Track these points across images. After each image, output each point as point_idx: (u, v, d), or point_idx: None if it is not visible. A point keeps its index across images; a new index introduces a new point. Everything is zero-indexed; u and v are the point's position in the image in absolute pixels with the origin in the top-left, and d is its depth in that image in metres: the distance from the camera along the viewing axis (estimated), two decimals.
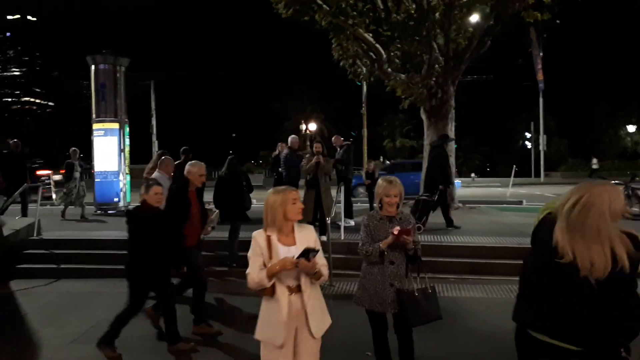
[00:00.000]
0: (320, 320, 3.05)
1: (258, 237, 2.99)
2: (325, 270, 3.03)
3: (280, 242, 2.97)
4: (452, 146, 11.07)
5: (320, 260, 2.99)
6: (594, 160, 31.36)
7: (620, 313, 2.19)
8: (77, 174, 11.70)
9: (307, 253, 2.83)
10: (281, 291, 2.93)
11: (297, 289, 2.96)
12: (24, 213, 10.82)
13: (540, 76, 29.22)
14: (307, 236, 3.06)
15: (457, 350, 4.66)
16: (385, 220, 3.65)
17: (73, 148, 12.25)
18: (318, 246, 2.98)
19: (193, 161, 5.59)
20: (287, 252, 2.94)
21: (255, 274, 2.91)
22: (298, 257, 2.84)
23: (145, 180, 5.00)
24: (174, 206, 5.09)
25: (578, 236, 2.17)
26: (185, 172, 5.34)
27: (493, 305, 5.85)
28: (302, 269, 2.86)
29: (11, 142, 11.27)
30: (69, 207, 11.54)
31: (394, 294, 3.56)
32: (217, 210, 5.22)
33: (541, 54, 28.95)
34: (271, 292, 2.94)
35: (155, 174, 7.21)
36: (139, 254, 4.59)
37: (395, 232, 3.44)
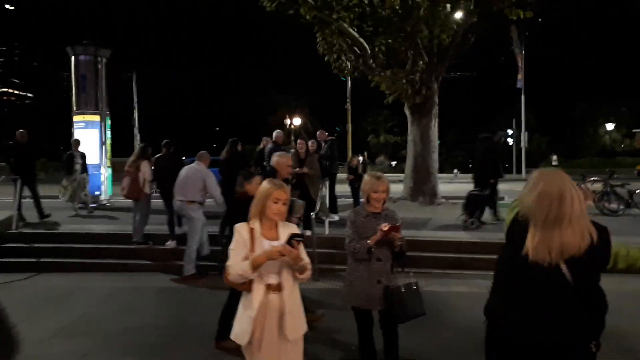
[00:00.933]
0: (298, 322, 2.95)
1: (241, 229, 2.94)
2: (309, 267, 2.95)
3: (263, 236, 2.92)
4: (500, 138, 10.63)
5: (304, 258, 2.92)
6: (554, 157, 32.06)
7: (592, 307, 2.26)
8: (77, 167, 11.11)
9: (292, 238, 2.79)
10: (258, 287, 2.86)
11: (277, 288, 2.89)
12: (39, 211, 10.02)
13: (520, 75, 29.54)
14: (286, 232, 2.98)
15: (441, 345, 4.71)
16: (371, 217, 3.63)
17: (75, 138, 11.84)
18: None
19: (281, 152, 5.54)
20: (269, 246, 2.87)
21: (237, 265, 2.82)
22: (287, 241, 2.81)
23: (246, 171, 4.86)
24: None
25: (555, 229, 2.22)
26: (273, 163, 5.25)
27: (475, 300, 5.90)
28: (288, 255, 2.77)
29: (17, 132, 10.12)
30: (69, 202, 10.96)
31: (381, 290, 3.57)
32: (303, 202, 5.07)
33: (523, 51, 29.26)
34: (249, 287, 2.88)
35: (195, 166, 7.29)
36: None
37: (385, 229, 3.43)
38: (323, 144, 10.49)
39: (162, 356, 4.56)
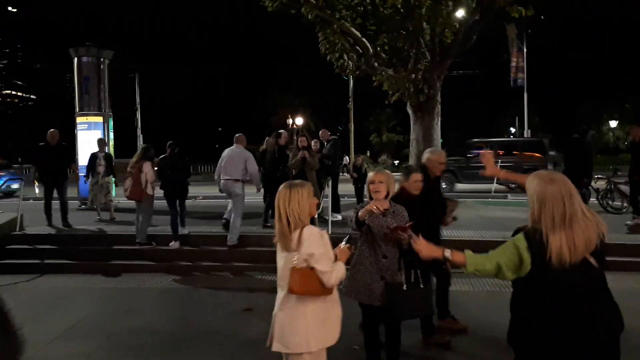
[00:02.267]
0: None
1: (321, 231, 2.86)
2: None
3: None
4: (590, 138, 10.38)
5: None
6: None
7: (614, 313, 2.32)
8: (100, 168, 10.48)
9: (349, 239, 2.99)
10: (336, 289, 2.91)
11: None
12: (64, 216, 9.31)
13: (519, 74, 29.41)
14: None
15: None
16: (379, 214, 3.63)
17: (99, 137, 11.44)
18: None
19: (432, 148, 5.33)
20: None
21: (337, 269, 2.80)
22: (345, 244, 2.95)
23: (407, 167, 4.65)
24: (421, 196, 4.52)
25: (569, 231, 2.23)
26: (423, 160, 5.00)
27: (477, 299, 5.92)
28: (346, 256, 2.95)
29: (48, 132, 9.47)
30: (93, 206, 10.43)
31: (383, 286, 3.56)
32: (458, 201, 4.91)
33: (525, 49, 29.17)
34: (331, 291, 2.84)
35: (234, 148, 8.10)
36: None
37: (392, 228, 3.44)
38: (325, 144, 10.49)
39: (166, 357, 4.57)
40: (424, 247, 2.66)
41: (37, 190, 17.02)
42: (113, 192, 10.83)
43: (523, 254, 2.30)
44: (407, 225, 3.47)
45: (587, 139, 9.70)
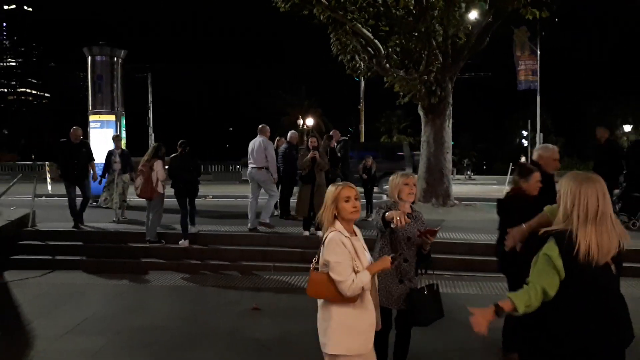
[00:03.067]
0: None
1: (342, 238, 2.71)
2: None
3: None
4: None
5: None
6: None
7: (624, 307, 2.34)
8: (116, 166, 10.11)
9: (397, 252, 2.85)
10: (370, 299, 2.79)
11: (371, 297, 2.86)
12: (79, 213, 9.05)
13: (531, 76, 29.12)
14: (361, 237, 2.95)
15: (451, 346, 4.67)
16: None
17: (115, 134, 11.24)
18: None
19: (543, 145, 5.16)
20: (365, 252, 2.84)
21: (357, 278, 2.64)
22: (392, 256, 2.82)
23: (520, 165, 4.32)
24: (539, 196, 4.24)
25: (598, 228, 2.25)
26: (535, 157, 4.85)
27: (487, 302, 5.84)
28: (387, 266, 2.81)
29: (71, 129, 9.29)
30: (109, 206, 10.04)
31: (402, 290, 3.54)
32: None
33: (538, 52, 28.92)
34: (356, 298, 2.70)
35: (258, 138, 8.66)
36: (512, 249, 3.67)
37: (422, 232, 3.44)
38: (336, 145, 10.48)
39: (174, 355, 4.58)
40: (480, 319, 2.39)
41: (49, 187, 17.24)
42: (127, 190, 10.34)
43: (556, 263, 2.25)
44: (437, 229, 3.48)
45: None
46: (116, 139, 10.58)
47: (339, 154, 9.99)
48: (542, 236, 2.35)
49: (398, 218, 3.21)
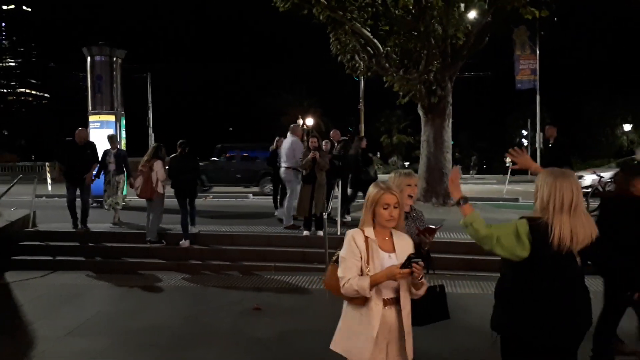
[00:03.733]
0: (412, 342, 2.73)
1: (357, 236, 2.63)
2: (426, 283, 2.72)
3: (380, 247, 2.64)
4: None
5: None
6: (508, 159, 32.03)
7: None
8: (111, 166, 9.65)
9: (411, 261, 2.49)
10: (376, 303, 2.59)
11: (393, 302, 2.64)
12: (83, 219, 8.90)
13: (531, 76, 29.13)
14: (407, 245, 2.71)
15: (453, 346, 4.67)
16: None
17: (111, 133, 10.87)
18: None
19: None
20: (388, 259, 2.61)
21: (354, 280, 2.54)
22: (402, 267, 2.49)
23: (633, 166, 4.17)
24: None
25: (573, 218, 2.44)
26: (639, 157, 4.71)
27: (488, 302, 5.84)
28: (408, 279, 2.56)
29: (77, 131, 9.10)
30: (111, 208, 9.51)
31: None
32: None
33: (538, 51, 28.93)
34: (363, 301, 2.59)
35: (289, 137, 8.91)
36: (618, 248, 3.42)
37: (421, 230, 3.36)
38: (336, 144, 10.48)
39: (175, 355, 4.59)
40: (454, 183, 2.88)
41: (49, 188, 17.24)
42: (124, 192, 9.96)
43: (522, 237, 2.46)
44: (436, 227, 3.41)
45: None
46: (110, 139, 10.08)
47: (339, 154, 9.99)
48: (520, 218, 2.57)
49: (419, 231, 3.30)
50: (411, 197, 3.53)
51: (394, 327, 2.64)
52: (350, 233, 2.64)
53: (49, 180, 18.16)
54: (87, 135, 9.23)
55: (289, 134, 9.10)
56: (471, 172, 32.90)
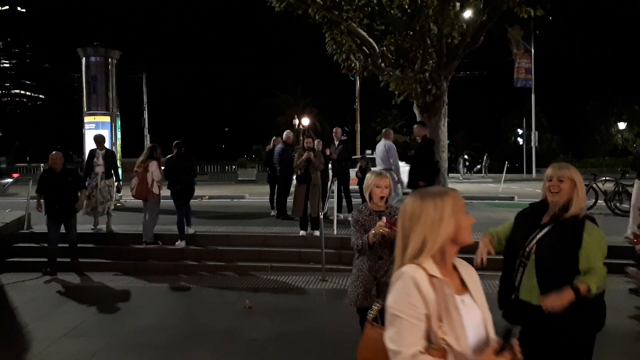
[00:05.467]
0: None
1: (418, 277, 1.58)
2: None
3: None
4: None
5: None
6: (485, 157, 32.64)
7: None
8: (98, 168, 8.70)
9: (509, 338, 1.57)
10: None
11: None
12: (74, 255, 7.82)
13: (526, 75, 29.22)
14: (474, 277, 1.79)
15: None
16: (374, 215, 3.54)
17: (96, 133, 9.78)
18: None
19: None
20: (464, 307, 1.62)
21: (425, 358, 1.51)
22: (504, 342, 1.56)
23: None
24: None
25: None
26: None
27: (488, 301, 5.87)
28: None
29: (50, 156, 7.55)
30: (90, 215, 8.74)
31: (376, 286, 3.50)
32: None
33: (533, 51, 29.01)
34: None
35: (383, 141, 9.66)
36: None
37: (382, 224, 3.29)
38: (337, 143, 10.51)
39: (172, 355, 4.57)
40: (557, 300, 2.40)
41: None
42: (116, 195, 8.94)
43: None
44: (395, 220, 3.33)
45: None
46: (97, 139, 8.98)
47: (343, 155, 10.01)
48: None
49: (381, 231, 3.26)
50: (383, 198, 3.51)
51: None
52: (408, 273, 1.59)
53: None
54: (62, 159, 7.58)
55: (382, 138, 9.65)
56: (483, 173, 32.85)
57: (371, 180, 3.54)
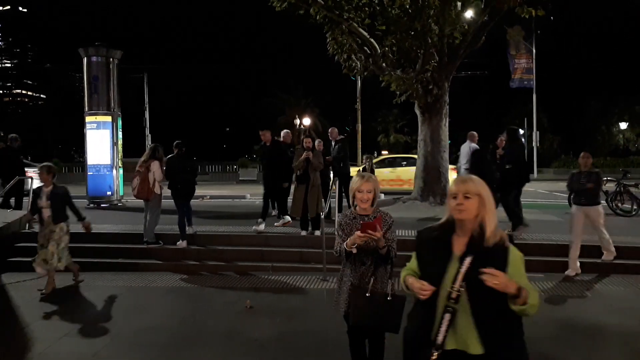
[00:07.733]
0: None
1: None
2: None
3: None
4: None
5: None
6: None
7: None
8: (45, 212, 6.56)
9: None
10: None
11: None
12: (18, 206, 10.27)
13: (528, 75, 29.18)
14: None
15: None
16: (358, 219, 3.34)
17: (45, 163, 7.95)
18: None
19: None
20: None
21: None
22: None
23: None
24: None
25: None
26: None
27: None
28: None
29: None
30: None
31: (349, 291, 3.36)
32: None
33: (534, 51, 28.98)
34: None
35: (467, 142, 10.87)
36: None
37: (360, 234, 3.10)
38: (333, 143, 10.50)
39: (172, 356, 4.57)
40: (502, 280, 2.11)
41: None
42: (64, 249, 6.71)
43: None
44: (375, 221, 3.11)
45: None
46: (43, 170, 6.56)
47: (339, 155, 9.99)
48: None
49: (361, 240, 3.09)
50: (365, 202, 3.33)
51: None
52: None
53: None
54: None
55: (468, 140, 10.97)
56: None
57: (355, 183, 3.38)
